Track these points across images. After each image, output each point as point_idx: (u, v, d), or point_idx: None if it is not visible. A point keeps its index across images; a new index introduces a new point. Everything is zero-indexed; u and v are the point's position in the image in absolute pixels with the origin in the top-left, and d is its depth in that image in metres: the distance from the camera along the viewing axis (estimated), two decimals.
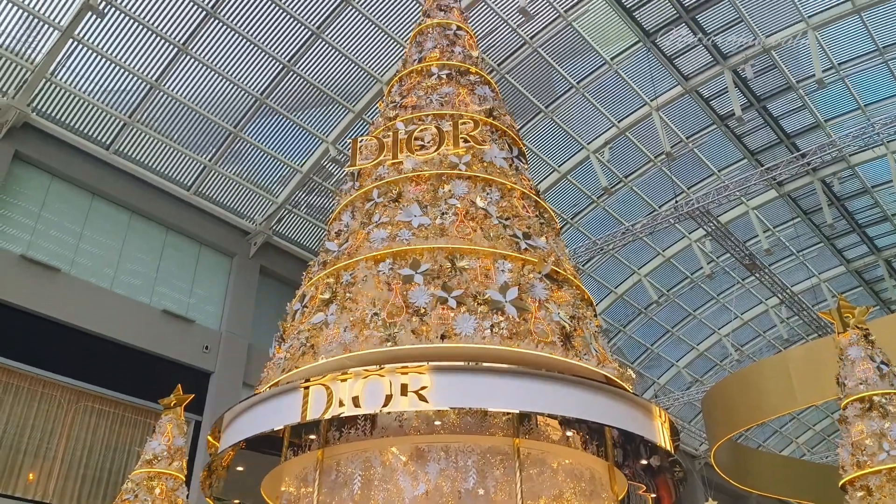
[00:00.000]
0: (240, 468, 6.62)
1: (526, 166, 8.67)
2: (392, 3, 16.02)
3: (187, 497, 8.38)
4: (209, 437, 6.88)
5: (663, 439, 6.43)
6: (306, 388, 5.86)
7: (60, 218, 14.98)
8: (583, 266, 23.30)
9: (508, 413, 6.01)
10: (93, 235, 15.40)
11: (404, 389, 5.62)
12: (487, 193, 7.46)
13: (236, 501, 7.27)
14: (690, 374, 28.05)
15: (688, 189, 21.64)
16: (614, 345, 25.79)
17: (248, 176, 17.65)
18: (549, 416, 5.92)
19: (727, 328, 27.60)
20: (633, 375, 6.93)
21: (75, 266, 14.82)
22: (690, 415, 28.24)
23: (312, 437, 6.12)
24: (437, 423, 5.90)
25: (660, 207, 21.48)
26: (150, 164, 16.23)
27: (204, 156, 16.73)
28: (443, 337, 6.09)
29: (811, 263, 25.26)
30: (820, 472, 15.31)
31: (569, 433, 6.17)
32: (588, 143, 20.34)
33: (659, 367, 28.75)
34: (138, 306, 15.44)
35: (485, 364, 5.88)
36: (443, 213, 7.07)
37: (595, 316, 7.63)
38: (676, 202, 18.99)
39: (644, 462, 6.66)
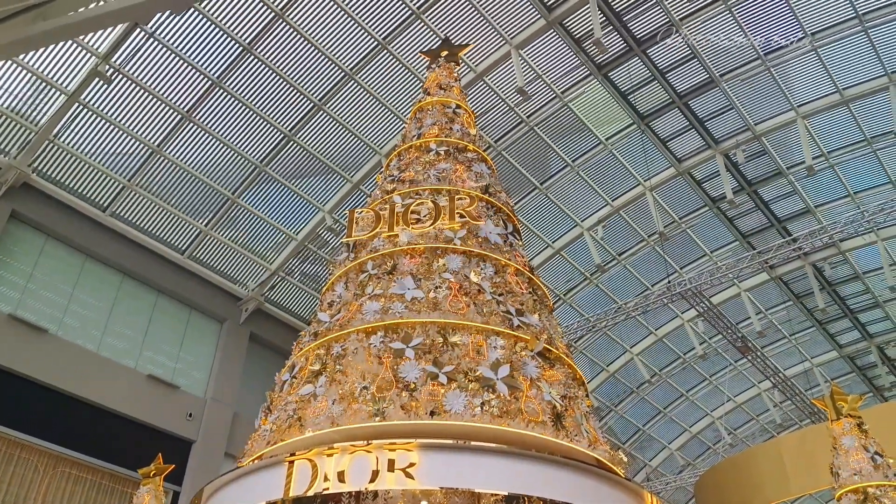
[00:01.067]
0: None
1: (520, 243, 8.73)
2: (394, 80, 16.44)
3: None
4: None
5: None
6: (291, 462, 5.71)
7: (52, 278, 14.92)
8: (575, 343, 23.18)
9: (497, 494, 5.87)
10: (83, 296, 15.31)
11: (391, 466, 5.49)
12: (482, 269, 7.48)
13: None
14: (683, 458, 27.56)
15: (680, 269, 21.77)
16: (605, 424, 25.41)
17: (243, 242, 17.70)
18: (539, 498, 5.77)
19: (720, 410, 27.30)
20: (625, 458, 6.80)
21: (63, 327, 14.67)
22: (682, 499, 27.59)
23: None
24: (424, 503, 5.75)
25: (652, 286, 21.55)
26: (145, 228, 16.29)
27: (200, 221, 16.81)
28: (432, 413, 5.99)
29: (803, 347, 25.20)
30: None
31: None
32: (582, 221, 20.57)
33: (651, 448, 28.27)
34: (123, 370, 15.22)
35: (474, 443, 5.77)
36: (436, 287, 7.07)
37: (587, 396, 7.55)
38: (669, 282, 19.07)
39: None
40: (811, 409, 21.90)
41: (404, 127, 10.46)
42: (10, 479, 13.01)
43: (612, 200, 20.43)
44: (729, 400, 26.79)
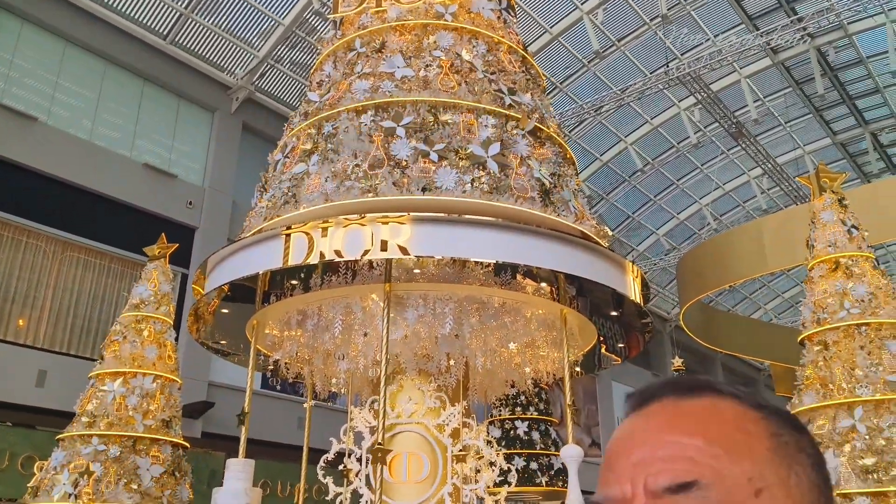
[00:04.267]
0: (225, 311, 6.83)
1: (515, 20, 8.40)
2: None
3: (175, 340, 8.71)
4: (194, 285, 7.04)
5: (634, 293, 6.67)
6: (288, 235, 5.95)
7: (33, 66, 14.48)
8: (570, 132, 23.12)
9: (487, 264, 6.17)
10: (68, 84, 14.97)
11: (385, 239, 5.73)
12: (473, 46, 7.27)
13: (223, 341, 7.56)
14: (669, 242, 28.63)
15: (681, 55, 21.14)
16: (597, 212, 26.07)
17: (227, 27, 16.97)
18: (527, 267, 6.08)
19: (708, 198, 27.92)
20: (610, 233, 7.08)
21: (53, 116, 14.51)
22: (665, 280, 29.09)
23: (294, 282, 6.28)
24: (417, 271, 6.06)
25: (651, 74, 21.07)
26: (123, 10, 15.53)
27: (179, 3, 15.99)
28: (423, 189, 6.13)
29: (798, 135, 25.20)
30: (782, 334, 16.02)
31: (543, 284, 6.36)
32: (582, 3, 19.60)
33: (639, 235, 29.28)
34: (119, 158, 15.28)
35: (466, 216, 5.97)
36: (427, 65, 6.91)
37: (576, 175, 7.68)
38: (668, 67, 18.60)
39: (614, 314, 6.94)
40: (797, 193, 22.39)
41: None
42: (21, 264, 13.56)
43: None
44: (718, 188, 27.29)
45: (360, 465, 6.41)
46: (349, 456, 6.46)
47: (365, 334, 6.27)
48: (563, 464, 13.88)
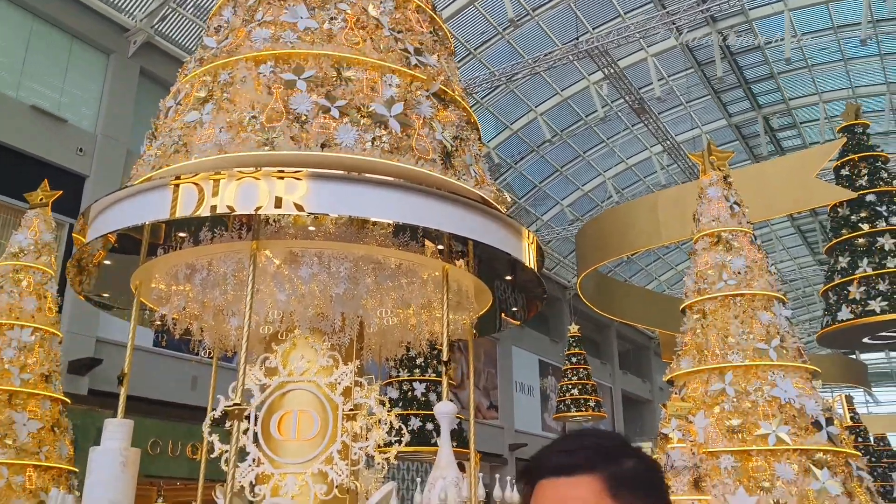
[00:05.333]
0: (108, 262, 6.53)
1: None
2: None
3: (61, 294, 8.29)
4: (75, 234, 6.69)
5: (529, 259, 6.82)
6: (177, 185, 5.72)
7: None
8: (481, 99, 23.20)
9: (384, 224, 6.14)
10: None
11: (280, 193, 5.60)
12: (381, 2, 7.13)
13: (106, 294, 7.25)
14: (573, 213, 29.37)
15: (593, 29, 21.49)
16: (505, 180, 26.42)
17: None
18: (424, 228, 6.09)
19: (612, 171, 28.76)
20: (508, 199, 7.18)
21: None
22: (567, 250, 29.89)
23: (183, 235, 6.06)
24: (312, 229, 5.96)
25: (563, 45, 21.33)
26: None
27: None
28: (323, 146, 6.01)
29: (697, 115, 26.20)
30: (671, 303, 16.80)
31: (440, 247, 6.40)
32: None
33: (545, 204, 29.91)
34: (4, 99, 14.26)
35: (366, 174, 5.91)
36: (331, 18, 6.73)
37: (479, 140, 7.71)
38: (579, 40, 18.89)
39: (509, 278, 7.07)
40: (692, 171, 23.35)
41: None
42: None
43: None
44: (621, 162, 28.14)
45: (249, 422, 6.33)
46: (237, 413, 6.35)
47: (257, 291, 6.14)
48: (459, 425, 14.19)
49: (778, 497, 6.00)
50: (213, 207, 5.50)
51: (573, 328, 21.65)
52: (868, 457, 22.72)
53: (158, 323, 7.22)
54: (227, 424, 6.35)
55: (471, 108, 7.81)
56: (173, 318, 6.80)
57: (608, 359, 37.30)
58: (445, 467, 5.24)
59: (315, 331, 6.58)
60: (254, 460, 6.22)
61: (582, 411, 20.20)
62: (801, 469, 6.20)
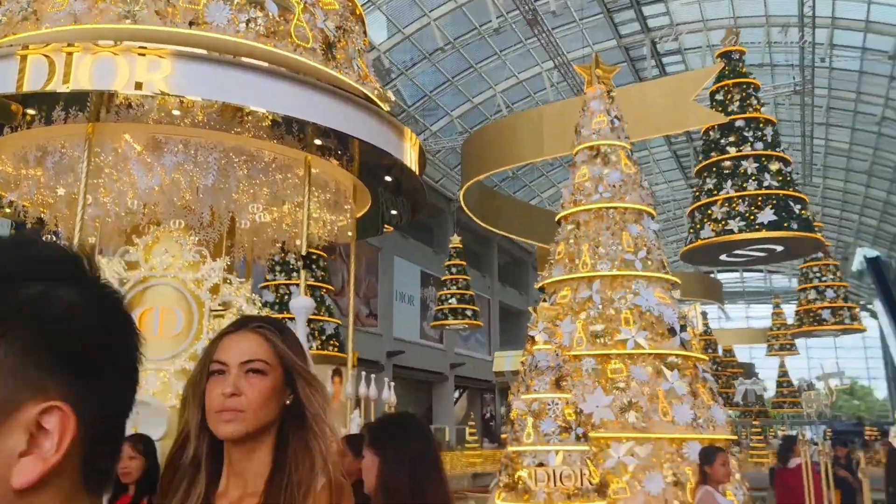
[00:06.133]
0: None
1: None
2: None
3: None
4: None
5: (410, 160, 6.69)
6: (24, 56, 5.13)
7: None
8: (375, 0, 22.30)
9: (259, 114, 5.81)
10: None
11: (141, 72, 5.14)
12: None
13: None
14: (462, 125, 29.27)
15: None
16: (394, 86, 25.83)
17: None
18: (301, 121, 5.81)
19: (503, 85, 28.71)
20: (392, 97, 6.96)
21: None
22: (454, 162, 29.94)
23: (32, 112, 5.50)
24: (177, 113, 5.55)
25: None
26: None
27: None
28: (191, 23, 5.55)
29: (588, 33, 26.35)
30: (550, 218, 17.27)
31: (318, 142, 6.15)
32: None
33: (434, 115, 29.60)
34: None
35: (238, 58, 5.51)
36: None
37: (364, 34, 7.38)
38: None
39: (389, 179, 6.94)
40: (580, 89, 23.65)
41: None
42: None
43: None
44: (513, 76, 28.10)
45: None
46: None
47: (117, 178, 5.71)
48: (335, 329, 14.19)
49: (631, 396, 6.39)
50: (66, 84, 4.99)
51: (455, 239, 21.93)
52: (716, 367, 24.85)
53: (8, 210, 6.64)
54: None
55: (360, 4, 7.42)
56: (24, 206, 6.26)
57: (488, 271, 38.31)
58: None
59: (182, 225, 6.24)
60: None
61: (459, 320, 20.75)
62: (654, 371, 6.60)
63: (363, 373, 7.08)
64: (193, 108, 5.60)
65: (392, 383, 7.10)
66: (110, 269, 6.11)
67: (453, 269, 21.34)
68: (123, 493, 3.61)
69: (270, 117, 5.67)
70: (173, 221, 6.09)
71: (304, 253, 5.60)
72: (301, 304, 5.42)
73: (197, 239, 6.21)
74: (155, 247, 6.15)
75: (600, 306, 6.89)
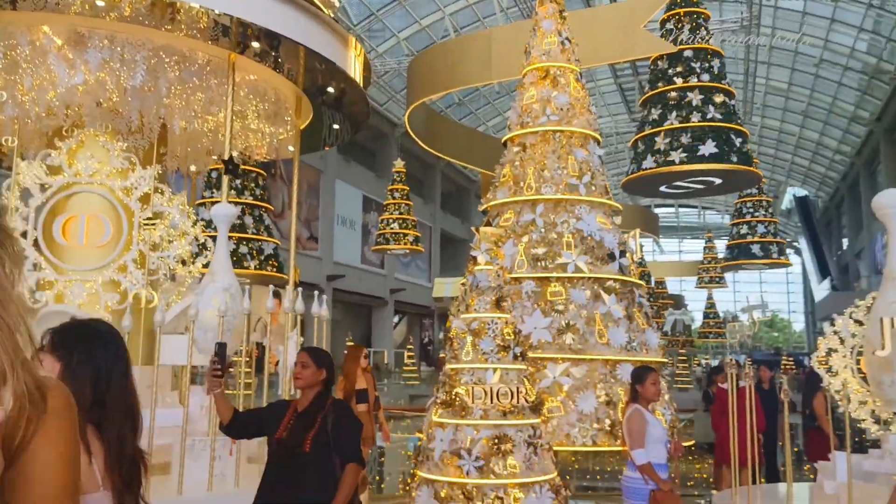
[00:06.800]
0: None
1: None
2: None
3: None
4: None
5: (354, 71, 6.42)
6: None
7: None
8: None
9: (192, 11, 5.41)
10: None
11: None
12: None
13: None
14: (409, 48, 28.52)
15: None
16: (339, 2, 24.83)
17: None
18: (238, 20, 5.44)
19: (452, 7, 27.96)
20: (337, 3, 6.61)
21: None
22: (400, 86, 29.29)
23: None
24: (102, 4, 5.11)
25: None
26: None
27: None
28: None
29: None
30: (495, 144, 17.14)
31: (255, 44, 5.79)
32: None
33: (381, 36, 28.72)
34: None
35: None
36: None
37: None
38: None
39: (331, 90, 6.66)
40: (530, 14, 23.20)
41: None
42: None
43: None
44: None
45: (28, 224, 5.67)
46: (13, 213, 5.65)
47: (34, 73, 5.28)
48: (273, 249, 13.93)
49: (569, 319, 6.45)
50: None
51: (398, 164, 21.60)
52: (647, 298, 25.60)
53: None
54: None
55: None
56: None
57: (431, 198, 38.17)
58: (218, 272, 4.96)
59: (109, 129, 5.88)
60: (34, 265, 5.64)
61: (400, 245, 20.66)
62: (592, 295, 6.67)
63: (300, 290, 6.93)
64: (121, 1, 5.18)
65: (325, 298, 6.90)
66: (31, 174, 5.74)
67: (396, 194, 21.09)
68: None
69: (204, 14, 5.29)
70: (99, 125, 5.72)
71: (227, 157, 5.30)
72: (222, 211, 5.15)
73: (126, 145, 5.86)
74: (79, 151, 5.79)
75: (543, 230, 6.87)
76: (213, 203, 13.53)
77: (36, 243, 5.64)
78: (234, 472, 4.85)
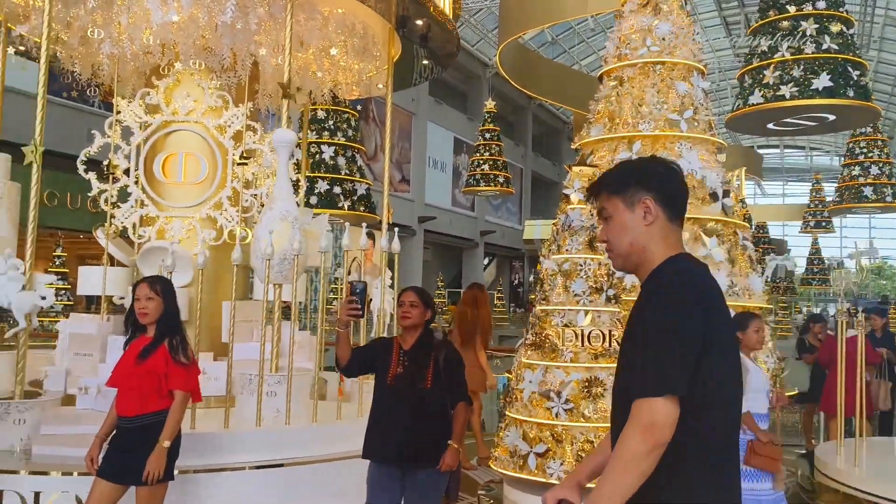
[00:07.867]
0: None
1: None
2: None
3: None
4: None
5: (445, 4, 6.21)
6: None
7: None
8: None
9: None
10: None
11: None
12: None
13: None
14: None
15: None
16: None
17: None
18: None
19: None
20: None
21: None
22: (491, 25, 28.63)
23: None
24: None
25: None
26: None
27: None
28: None
29: None
30: (592, 83, 16.54)
31: None
32: None
33: None
34: None
35: None
36: None
37: None
38: None
39: (419, 24, 6.47)
40: None
41: None
42: None
43: None
44: None
45: (129, 161, 5.85)
46: (115, 151, 5.84)
47: (128, 10, 5.34)
48: (366, 190, 14.04)
49: None
50: None
51: (489, 104, 21.23)
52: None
53: (22, 48, 6.35)
54: (105, 162, 5.86)
55: None
56: (35, 42, 5.97)
57: (522, 140, 37.56)
58: (277, 198, 4.90)
59: (203, 67, 5.94)
60: (136, 201, 5.84)
61: (490, 186, 20.46)
62: (692, 237, 6.35)
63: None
64: None
65: (398, 233, 6.72)
66: (131, 112, 5.89)
67: (486, 136, 20.80)
68: (142, 332, 3.55)
69: None
70: (193, 62, 5.78)
71: (286, 80, 5.19)
72: (282, 136, 5.05)
73: (219, 83, 5.92)
74: (176, 90, 5.89)
75: None
76: (307, 144, 13.73)
77: (138, 180, 5.82)
78: (312, 408, 4.92)
